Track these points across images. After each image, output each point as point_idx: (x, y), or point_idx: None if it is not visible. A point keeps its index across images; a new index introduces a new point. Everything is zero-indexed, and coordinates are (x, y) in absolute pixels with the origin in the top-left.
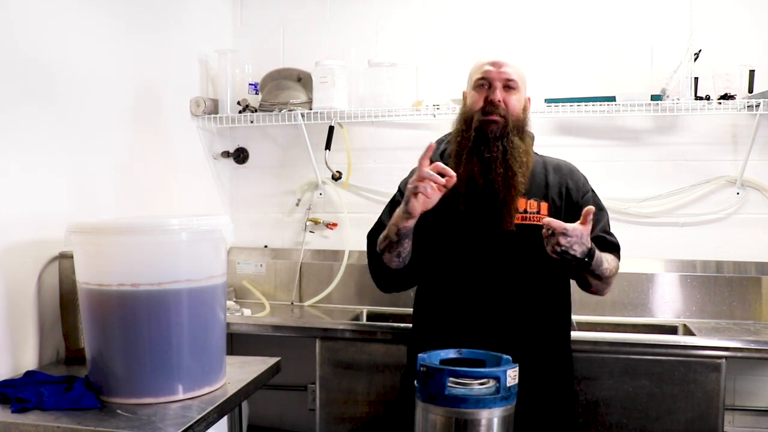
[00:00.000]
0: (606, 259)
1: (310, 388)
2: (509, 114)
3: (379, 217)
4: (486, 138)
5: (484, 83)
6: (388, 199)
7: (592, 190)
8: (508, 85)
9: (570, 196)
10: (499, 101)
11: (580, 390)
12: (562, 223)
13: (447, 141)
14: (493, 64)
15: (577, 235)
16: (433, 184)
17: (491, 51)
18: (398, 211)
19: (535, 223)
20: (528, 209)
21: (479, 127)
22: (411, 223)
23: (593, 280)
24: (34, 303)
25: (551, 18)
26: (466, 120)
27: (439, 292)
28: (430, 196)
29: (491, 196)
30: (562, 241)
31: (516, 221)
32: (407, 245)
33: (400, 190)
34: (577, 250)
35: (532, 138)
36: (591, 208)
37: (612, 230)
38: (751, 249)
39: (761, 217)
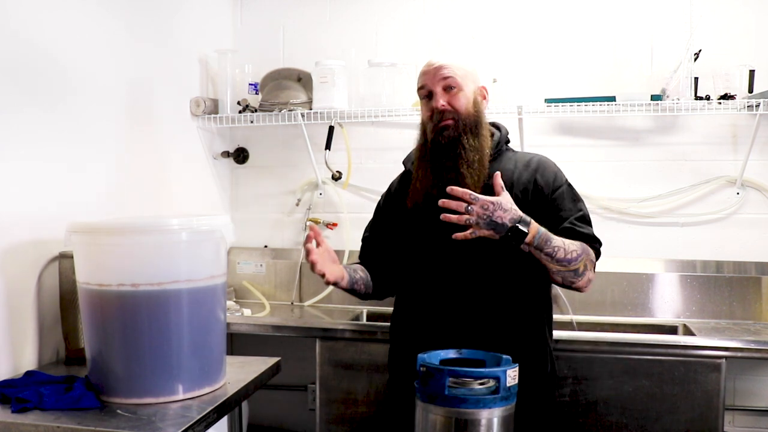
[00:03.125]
0: (561, 241)
1: (310, 388)
2: (459, 114)
3: (363, 235)
4: (440, 146)
5: (424, 93)
6: None
7: (568, 184)
8: (448, 86)
9: (539, 192)
10: (443, 106)
11: (580, 390)
12: (464, 190)
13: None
14: (428, 69)
15: (491, 201)
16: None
17: (431, 56)
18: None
19: None
20: None
21: (433, 138)
22: (337, 281)
23: (550, 265)
24: (34, 303)
25: (551, 18)
26: (424, 132)
27: (412, 298)
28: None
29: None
30: (479, 210)
31: None
32: (359, 285)
33: (379, 202)
34: (504, 218)
35: (490, 132)
36: (497, 174)
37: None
38: (751, 249)
39: (761, 217)
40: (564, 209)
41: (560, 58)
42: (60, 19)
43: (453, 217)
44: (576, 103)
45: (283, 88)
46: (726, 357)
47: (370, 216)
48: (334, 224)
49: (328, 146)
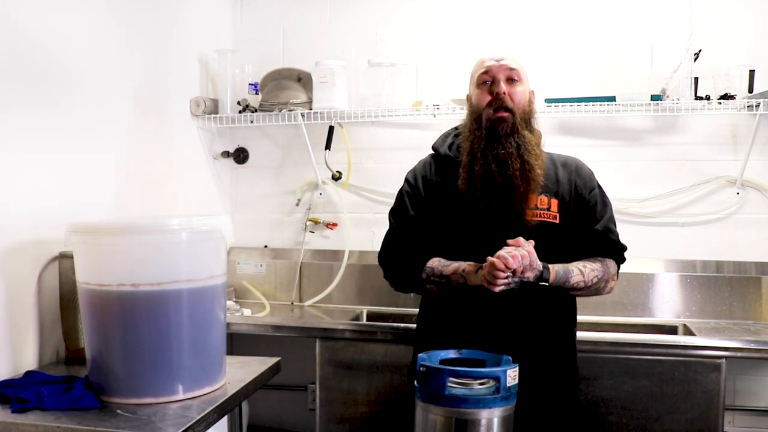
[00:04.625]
0: (578, 271)
1: (310, 388)
2: (516, 107)
3: (394, 221)
4: (497, 135)
5: (487, 79)
6: (388, 199)
7: (599, 185)
8: (511, 77)
9: (578, 192)
10: (504, 93)
11: (580, 390)
12: (520, 258)
13: (455, 135)
14: (493, 59)
15: (523, 263)
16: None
17: (491, 49)
18: (476, 275)
19: (546, 219)
20: (539, 205)
21: (490, 126)
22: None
23: (572, 293)
24: (34, 303)
25: (551, 18)
26: (476, 119)
27: (456, 292)
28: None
29: (510, 192)
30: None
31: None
32: None
33: (408, 181)
34: (530, 276)
35: (540, 135)
36: (519, 241)
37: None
38: (751, 249)
39: (761, 217)
40: (597, 211)
41: (560, 58)
42: (61, 19)
43: (495, 289)
44: (576, 103)
45: (283, 88)
46: (726, 357)
47: (370, 216)
48: (334, 224)
49: (328, 146)
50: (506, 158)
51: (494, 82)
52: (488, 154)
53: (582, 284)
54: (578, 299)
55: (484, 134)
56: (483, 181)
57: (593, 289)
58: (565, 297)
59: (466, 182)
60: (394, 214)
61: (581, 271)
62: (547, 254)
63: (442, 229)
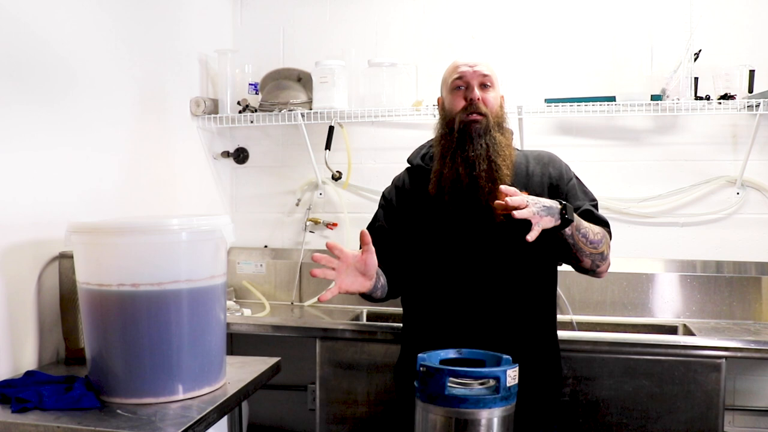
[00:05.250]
0: (585, 222)
1: (310, 388)
2: (489, 111)
3: (373, 225)
4: (469, 137)
5: (461, 84)
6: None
7: (576, 177)
8: (484, 83)
9: (553, 184)
10: (478, 99)
11: (580, 390)
12: (514, 188)
13: (429, 146)
14: (465, 63)
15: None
16: (331, 269)
17: (463, 55)
18: None
19: None
20: None
21: (462, 129)
22: (359, 289)
23: (585, 247)
24: (34, 303)
25: (551, 18)
26: (448, 123)
27: (429, 291)
28: (331, 277)
29: (476, 192)
30: (532, 203)
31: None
32: (379, 285)
33: (384, 197)
34: (547, 200)
35: (511, 134)
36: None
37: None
38: (751, 249)
39: (761, 217)
40: (579, 199)
41: (560, 58)
42: (62, 19)
43: (526, 212)
44: (576, 103)
45: (283, 88)
46: (726, 357)
47: (370, 216)
48: (334, 224)
49: (328, 146)
50: (474, 159)
51: (468, 87)
52: (458, 156)
53: (591, 235)
54: (576, 299)
55: (455, 137)
56: (451, 183)
57: (599, 252)
58: (546, 291)
59: (435, 186)
60: (368, 228)
61: (587, 223)
62: (517, 249)
63: (415, 234)
